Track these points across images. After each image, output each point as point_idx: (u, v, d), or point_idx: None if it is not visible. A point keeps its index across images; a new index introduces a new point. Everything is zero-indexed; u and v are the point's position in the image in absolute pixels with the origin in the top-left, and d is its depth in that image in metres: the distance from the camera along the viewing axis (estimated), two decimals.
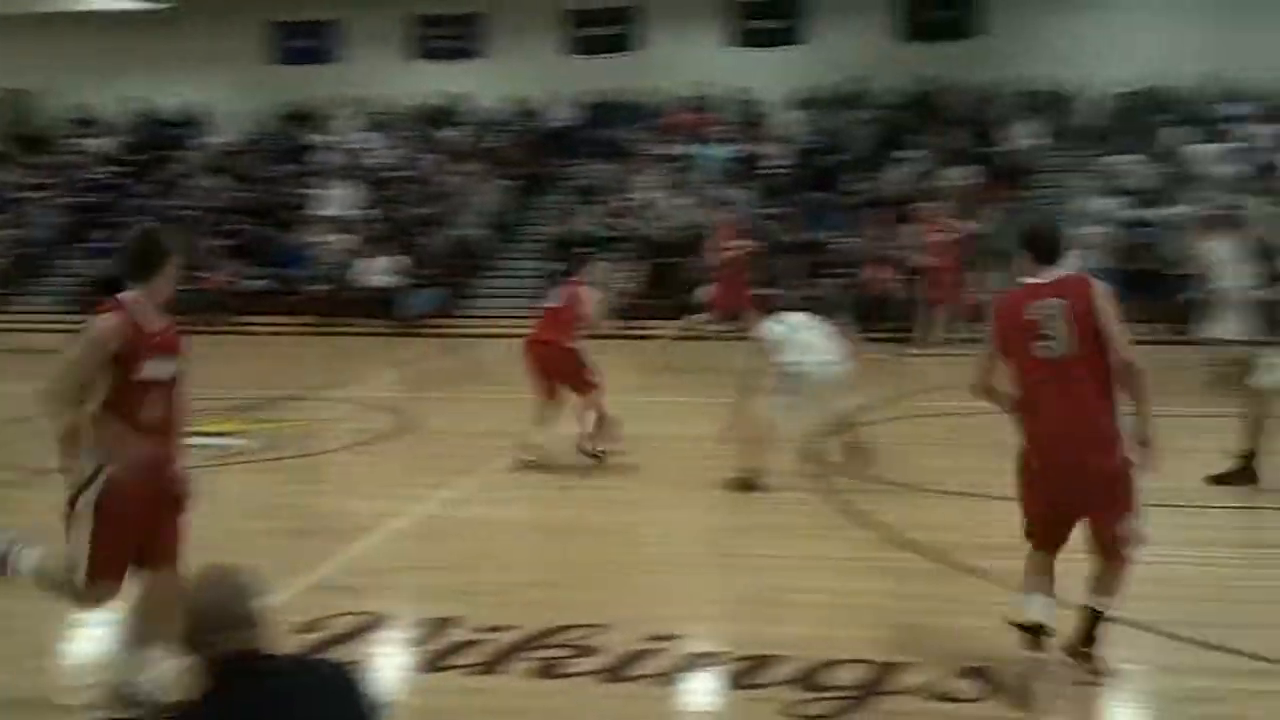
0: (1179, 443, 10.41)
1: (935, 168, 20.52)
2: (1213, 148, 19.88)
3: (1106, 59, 21.95)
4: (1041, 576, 5.05)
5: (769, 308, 9.42)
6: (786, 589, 6.40)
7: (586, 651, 5.37)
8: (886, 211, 19.31)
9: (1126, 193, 19.18)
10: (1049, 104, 22.45)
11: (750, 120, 23.28)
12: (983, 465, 9.18)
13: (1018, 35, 22.58)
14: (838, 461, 9.14)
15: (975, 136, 21.70)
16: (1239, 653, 5.25)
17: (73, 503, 4.47)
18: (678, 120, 23.41)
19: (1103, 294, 4.83)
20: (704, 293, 16.15)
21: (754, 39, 24.14)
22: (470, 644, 5.48)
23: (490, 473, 9.25)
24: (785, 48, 23.87)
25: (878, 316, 16.11)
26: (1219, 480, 8.35)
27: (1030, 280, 4.95)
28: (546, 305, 9.84)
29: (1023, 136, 21.60)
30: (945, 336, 15.89)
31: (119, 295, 4.58)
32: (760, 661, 5.24)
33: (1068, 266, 5.07)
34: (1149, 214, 18.34)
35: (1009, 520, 7.59)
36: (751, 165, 21.85)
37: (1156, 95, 21.95)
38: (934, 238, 16.40)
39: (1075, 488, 4.82)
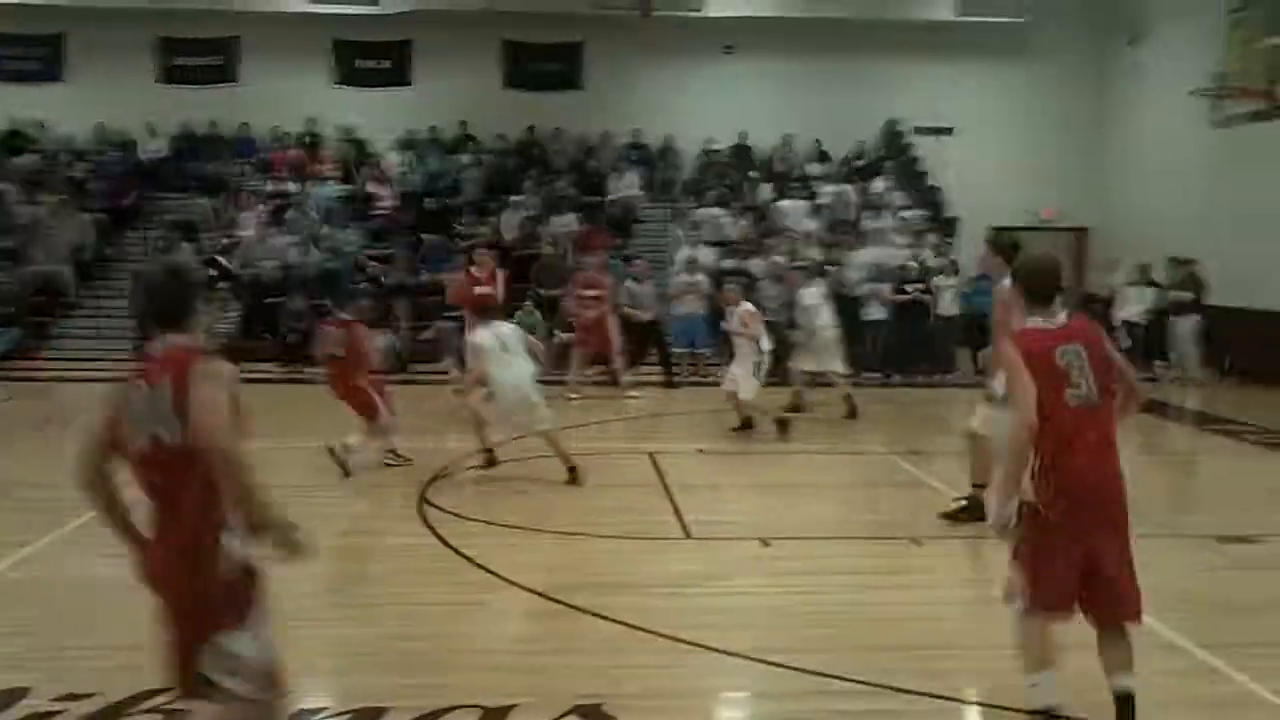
0: (770, 478, 11.10)
1: (543, 214, 20.93)
2: (797, 203, 21.40)
3: (700, 117, 23.29)
4: (1049, 647, 4.79)
5: (488, 316, 10.48)
6: (396, 637, 6.22)
7: (176, 715, 4.96)
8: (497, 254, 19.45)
9: (719, 243, 20.25)
10: (648, 157, 23.46)
11: (358, 160, 22.89)
12: (591, 504, 9.41)
13: (618, 90, 23.50)
14: (449, 502, 9.07)
15: (580, 185, 22.33)
16: (833, 675, 5.56)
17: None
18: (282, 157, 22.70)
19: (1107, 337, 4.90)
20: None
21: (361, 79, 23.80)
22: (44, 716, 4.98)
23: (78, 528, 8.46)
24: (393, 89, 23.69)
25: None
26: (950, 516, 8.65)
27: (1042, 323, 4.83)
28: (328, 351, 10.63)
29: (625, 187, 22.42)
30: (588, 379, 16.15)
31: (182, 344, 4.01)
32: (370, 715, 5.05)
33: (1061, 307, 4.93)
34: (740, 264, 19.40)
35: (614, 558, 7.81)
36: (359, 205, 21.48)
37: (745, 153, 23.45)
38: (586, 293, 16.58)
39: (1101, 532, 4.69)
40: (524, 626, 6.48)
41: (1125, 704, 4.70)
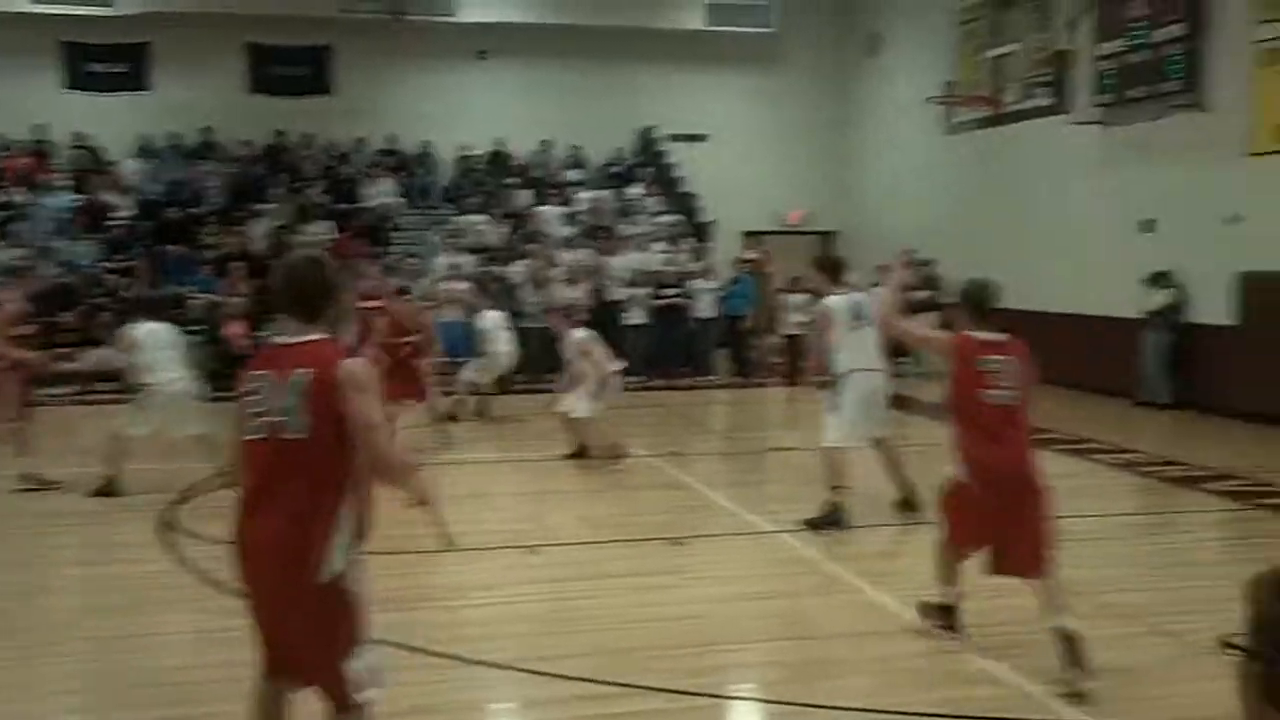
0: (533, 485, 11.07)
1: (292, 223, 20.32)
2: (555, 209, 21.48)
3: (456, 123, 23.05)
4: (954, 572, 5.92)
5: (133, 315, 10.40)
6: (146, 669, 5.92)
7: None
8: (243, 266, 18.78)
9: (478, 250, 20.12)
10: (403, 163, 23.09)
11: (92, 168, 21.70)
12: None
13: (371, 95, 22.99)
14: (195, 526, 8.68)
15: (332, 193, 21.77)
16: (597, 680, 5.57)
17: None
18: (9, 166, 21.30)
19: (1031, 357, 5.70)
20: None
21: (94, 83, 22.50)
22: None
23: None
24: (129, 94, 22.52)
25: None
26: (901, 506, 8.87)
27: (976, 334, 5.72)
28: None
29: (379, 194, 22.00)
30: None
31: (319, 338, 3.88)
32: None
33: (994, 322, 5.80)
34: (498, 270, 19.35)
35: (374, 575, 7.59)
36: (94, 215, 20.36)
37: (503, 159, 23.36)
38: (368, 304, 16.03)
39: (1010, 511, 5.50)
40: None
41: (1066, 640, 5.32)
